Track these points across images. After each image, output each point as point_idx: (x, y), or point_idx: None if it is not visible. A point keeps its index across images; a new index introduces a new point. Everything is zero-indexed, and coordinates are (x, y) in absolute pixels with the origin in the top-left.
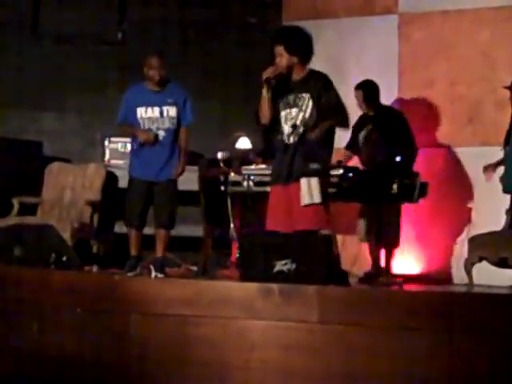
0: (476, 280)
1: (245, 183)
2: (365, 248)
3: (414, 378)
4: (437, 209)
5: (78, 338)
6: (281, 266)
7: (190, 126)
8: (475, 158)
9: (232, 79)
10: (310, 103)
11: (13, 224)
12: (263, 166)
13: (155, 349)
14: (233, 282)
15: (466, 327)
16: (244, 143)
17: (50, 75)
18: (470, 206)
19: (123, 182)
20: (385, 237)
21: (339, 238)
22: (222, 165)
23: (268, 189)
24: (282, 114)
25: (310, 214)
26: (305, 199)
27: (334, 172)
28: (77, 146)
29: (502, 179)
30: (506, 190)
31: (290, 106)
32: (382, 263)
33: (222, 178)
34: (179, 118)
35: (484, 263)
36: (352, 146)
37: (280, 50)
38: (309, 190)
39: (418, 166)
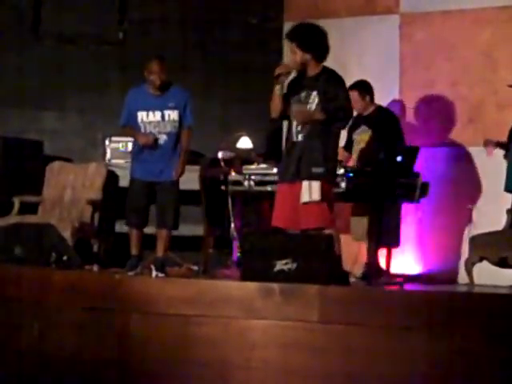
0: (476, 280)
1: (245, 183)
2: (363, 248)
3: (413, 377)
4: (438, 209)
5: (78, 338)
6: (281, 265)
7: (191, 128)
8: (476, 158)
9: (232, 79)
10: (316, 100)
11: (13, 223)
12: (264, 165)
13: (156, 348)
14: (233, 281)
15: (466, 327)
16: (245, 143)
17: (50, 75)
18: (470, 205)
19: (124, 182)
20: (385, 237)
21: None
22: (222, 164)
23: (269, 188)
24: (293, 110)
25: (314, 214)
26: (304, 197)
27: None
28: (78, 146)
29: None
30: (507, 189)
31: (301, 103)
32: (382, 263)
33: (222, 177)
34: (181, 120)
35: (484, 263)
36: (349, 147)
37: (294, 46)
38: (309, 189)
39: (419, 165)
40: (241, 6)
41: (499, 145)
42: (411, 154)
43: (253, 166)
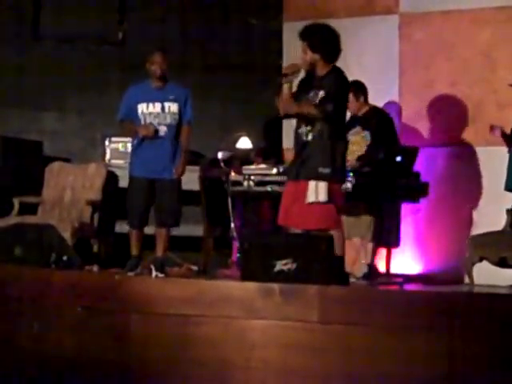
0: (476, 280)
1: (245, 183)
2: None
3: (413, 378)
4: (438, 209)
5: (78, 338)
6: (281, 265)
7: (191, 124)
8: (476, 158)
9: (232, 79)
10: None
11: (13, 224)
12: (264, 165)
13: (156, 348)
14: (233, 281)
15: (466, 327)
16: (244, 143)
17: (50, 75)
18: (470, 205)
19: (124, 182)
20: (385, 237)
21: None
22: (222, 165)
23: (268, 188)
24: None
25: (319, 214)
26: (310, 197)
27: None
28: (77, 146)
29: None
30: (507, 188)
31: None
32: (380, 264)
33: (222, 177)
34: (181, 114)
35: (484, 263)
36: None
37: (305, 46)
38: (316, 189)
39: (419, 165)
40: (240, 7)
41: (503, 135)
42: (411, 154)
43: (252, 167)
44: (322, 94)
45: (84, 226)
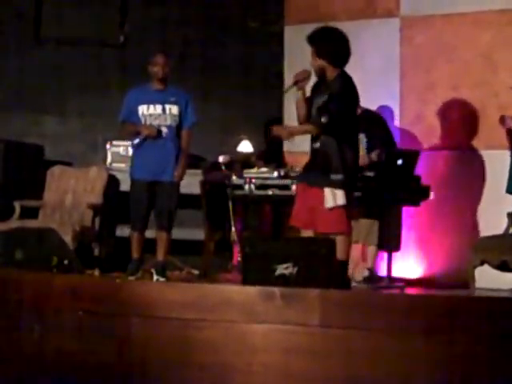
0: (477, 283)
1: (246, 187)
2: (364, 252)
3: (414, 381)
4: (439, 212)
5: (79, 342)
6: (282, 269)
7: (192, 128)
8: (478, 161)
9: (233, 82)
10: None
11: (14, 227)
12: (265, 169)
13: (156, 352)
14: (234, 285)
15: (467, 331)
16: (245, 146)
17: (51, 78)
18: (471, 209)
19: (125, 186)
20: (386, 240)
21: None
22: (223, 168)
23: (269, 192)
24: (313, 112)
25: (329, 218)
26: (329, 203)
27: None
28: (78, 150)
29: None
30: (509, 191)
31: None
32: (382, 266)
33: (223, 181)
34: (181, 117)
35: (485, 266)
36: None
37: (312, 51)
38: (333, 195)
39: (420, 169)
40: (241, 9)
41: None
42: (411, 157)
43: (253, 170)
44: (324, 99)
45: (85, 229)
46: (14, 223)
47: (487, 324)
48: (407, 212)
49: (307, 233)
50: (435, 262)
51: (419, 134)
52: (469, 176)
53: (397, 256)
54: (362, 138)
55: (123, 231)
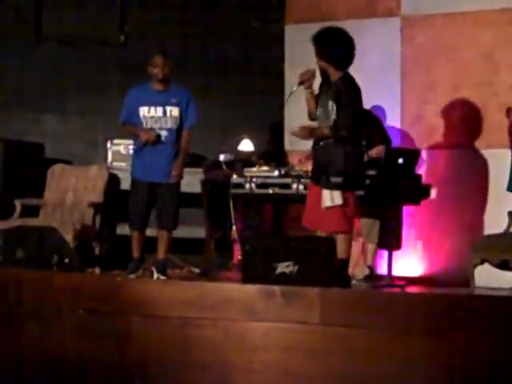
0: (477, 282)
1: (247, 185)
2: (365, 250)
3: (414, 380)
4: (440, 211)
5: (79, 340)
6: (283, 267)
7: (192, 128)
8: (478, 160)
9: (233, 81)
10: (335, 109)
11: (15, 226)
12: (265, 168)
13: (156, 351)
14: (235, 283)
15: (467, 329)
16: (246, 145)
17: (51, 77)
18: (472, 208)
19: (125, 184)
20: (386, 239)
21: None
22: (224, 167)
23: (270, 191)
24: (317, 113)
25: (327, 217)
26: (326, 202)
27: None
28: (79, 148)
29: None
30: (510, 190)
31: (322, 107)
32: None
33: (224, 180)
34: (182, 118)
35: (486, 265)
36: None
37: (315, 52)
38: (330, 195)
39: (421, 168)
40: (242, 9)
41: None
42: (412, 156)
43: (254, 169)
44: (331, 103)
45: (86, 228)
46: (14, 222)
47: (487, 323)
48: (408, 211)
49: (320, 233)
50: (436, 261)
51: (420, 133)
52: (469, 175)
53: (397, 254)
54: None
55: (124, 230)
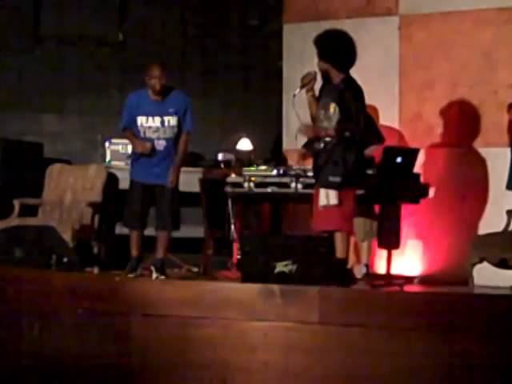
0: (476, 281)
1: (245, 184)
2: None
3: (414, 378)
4: (438, 210)
5: (78, 339)
6: (282, 267)
7: (189, 133)
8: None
9: (232, 81)
10: (337, 111)
11: (14, 225)
12: (264, 167)
13: (156, 350)
14: (234, 283)
15: (466, 328)
16: (245, 144)
17: (50, 77)
18: (471, 206)
19: (124, 184)
20: (385, 238)
21: None
22: (222, 166)
23: (269, 190)
24: (319, 116)
25: (327, 216)
26: (322, 201)
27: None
28: (78, 148)
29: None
30: (509, 188)
31: (323, 109)
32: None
33: (223, 179)
34: (180, 125)
35: (485, 264)
36: None
37: (317, 53)
38: (326, 194)
39: (419, 166)
40: (240, 8)
41: None
42: (411, 155)
43: (253, 168)
44: (333, 105)
45: (84, 227)
46: (13, 221)
47: (486, 321)
48: (407, 210)
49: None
50: (434, 260)
51: (418, 132)
52: (468, 173)
53: (396, 253)
54: None
55: (122, 229)
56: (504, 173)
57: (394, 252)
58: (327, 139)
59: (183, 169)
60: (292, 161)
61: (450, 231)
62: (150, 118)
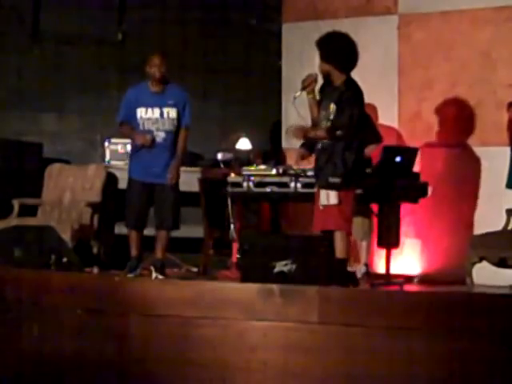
0: (476, 280)
1: (245, 184)
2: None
3: (413, 378)
4: (438, 209)
5: (78, 340)
6: (281, 266)
7: (188, 128)
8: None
9: (232, 80)
10: (334, 111)
11: (13, 225)
12: (263, 166)
13: (155, 350)
14: (233, 282)
15: (466, 327)
16: (244, 144)
17: (50, 76)
18: (470, 206)
19: (123, 183)
20: (384, 237)
21: None
22: (222, 166)
23: (268, 189)
24: (320, 117)
25: (326, 215)
26: (322, 202)
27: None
28: (77, 147)
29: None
30: (509, 186)
31: (324, 110)
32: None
33: (222, 178)
34: (179, 119)
35: (484, 263)
36: None
37: (320, 55)
38: (326, 195)
39: (419, 166)
40: (240, 7)
41: None
42: (410, 154)
43: (252, 168)
44: (333, 105)
45: (84, 227)
46: (12, 221)
47: (486, 320)
48: (406, 209)
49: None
50: (434, 259)
51: (418, 131)
52: (467, 173)
53: (395, 253)
54: None
55: (122, 229)
56: (503, 172)
57: (392, 251)
58: (324, 141)
59: (183, 168)
60: (291, 160)
61: (448, 230)
62: (150, 110)
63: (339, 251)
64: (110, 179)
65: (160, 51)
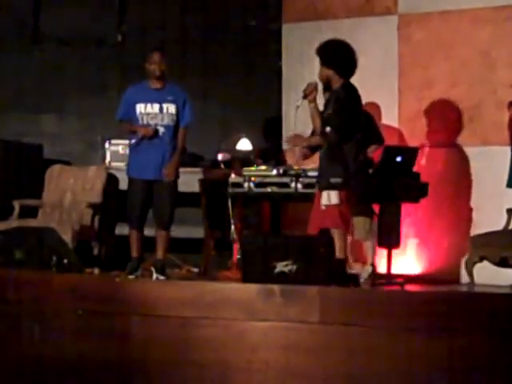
0: (477, 279)
1: (245, 184)
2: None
3: (414, 378)
4: (438, 209)
5: (79, 341)
6: (282, 266)
7: (188, 127)
8: (475, 157)
9: (232, 80)
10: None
11: (13, 227)
12: (264, 167)
13: (156, 351)
14: (234, 283)
15: (467, 327)
16: (244, 144)
17: (50, 77)
18: (470, 205)
19: (124, 184)
20: (385, 237)
21: None
22: (222, 166)
23: (269, 190)
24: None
25: (326, 215)
26: (324, 202)
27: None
28: (77, 149)
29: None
30: (509, 186)
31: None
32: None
33: (222, 179)
34: (178, 116)
35: (485, 263)
36: None
37: (320, 61)
38: (328, 195)
39: (419, 166)
40: (240, 8)
41: None
42: (411, 154)
43: (252, 168)
44: (330, 112)
45: (84, 228)
46: (13, 223)
47: (487, 320)
48: (406, 209)
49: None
50: (434, 259)
51: (418, 131)
52: (467, 173)
53: (396, 253)
54: None
55: (122, 230)
56: (504, 171)
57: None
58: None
59: (183, 169)
60: (291, 160)
61: (449, 230)
62: (149, 105)
63: (337, 250)
64: (111, 180)
65: (159, 48)
